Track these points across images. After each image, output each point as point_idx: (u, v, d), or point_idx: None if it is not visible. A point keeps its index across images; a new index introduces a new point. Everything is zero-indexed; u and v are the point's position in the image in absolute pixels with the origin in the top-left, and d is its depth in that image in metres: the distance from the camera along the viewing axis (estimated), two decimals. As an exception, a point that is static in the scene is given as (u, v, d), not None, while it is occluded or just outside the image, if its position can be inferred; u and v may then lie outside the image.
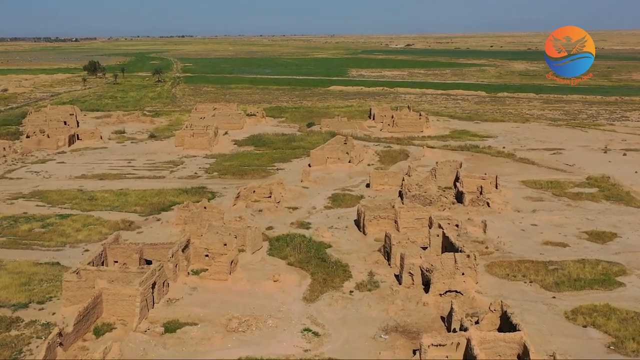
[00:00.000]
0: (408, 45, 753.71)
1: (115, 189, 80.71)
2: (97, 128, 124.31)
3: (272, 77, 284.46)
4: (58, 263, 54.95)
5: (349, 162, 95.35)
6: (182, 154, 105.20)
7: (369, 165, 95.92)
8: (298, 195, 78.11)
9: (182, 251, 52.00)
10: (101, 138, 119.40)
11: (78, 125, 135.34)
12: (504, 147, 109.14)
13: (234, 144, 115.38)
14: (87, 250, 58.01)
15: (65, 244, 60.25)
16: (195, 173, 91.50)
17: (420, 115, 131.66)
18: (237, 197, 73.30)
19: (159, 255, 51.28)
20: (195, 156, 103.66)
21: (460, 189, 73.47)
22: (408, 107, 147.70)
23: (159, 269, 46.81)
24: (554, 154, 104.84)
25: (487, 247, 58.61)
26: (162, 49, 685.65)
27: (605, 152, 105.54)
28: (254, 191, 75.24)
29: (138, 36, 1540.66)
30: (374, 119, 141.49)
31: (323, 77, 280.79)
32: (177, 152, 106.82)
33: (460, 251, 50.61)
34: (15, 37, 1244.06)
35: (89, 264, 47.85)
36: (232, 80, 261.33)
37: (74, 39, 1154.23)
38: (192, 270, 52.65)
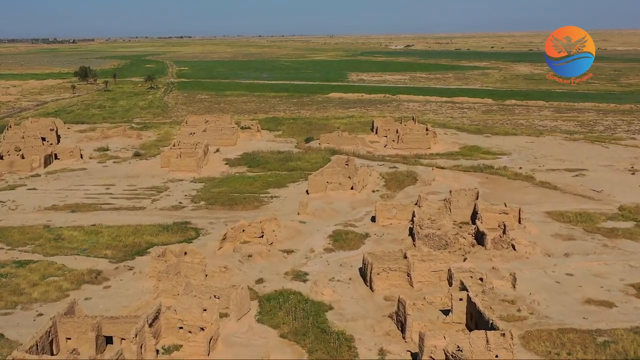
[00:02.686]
0: (408, 46, 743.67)
1: (86, 225, 71.02)
2: (77, 146, 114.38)
3: (269, 82, 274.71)
4: (2, 335, 45.41)
5: (352, 188, 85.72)
6: (168, 177, 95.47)
7: (373, 191, 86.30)
8: (294, 233, 68.49)
9: (151, 325, 42.42)
10: (81, 157, 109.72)
11: (59, 141, 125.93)
12: (520, 168, 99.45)
13: (226, 164, 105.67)
14: (40, 315, 48.61)
15: (16, 305, 50.66)
16: (180, 203, 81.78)
17: (427, 129, 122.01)
18: (224, 238, 63.67)
19: (120, 331, 41.70)
20: (182, 180, 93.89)
21: (481, 228, 63.81)
22: (413, 118, 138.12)
23: (117, 358, 37.26)
24: (576, 175, 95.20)
25: (519, 310, 49.04)
26: (159, 51, 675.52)
27: (633, 174, 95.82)
28: (243, 230, 65.67)
29: (136, 37, 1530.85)
30: (376, 132, 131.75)
31: (322, 82, 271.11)
32: (162, 175, 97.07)
33: (492, 326, 41.08)
34: (13, 39, 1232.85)
35: (30, 348, 38.29)
36: (228, 87, 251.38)
37: (72, 41, 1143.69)
38: (162, 348, 43.09)
